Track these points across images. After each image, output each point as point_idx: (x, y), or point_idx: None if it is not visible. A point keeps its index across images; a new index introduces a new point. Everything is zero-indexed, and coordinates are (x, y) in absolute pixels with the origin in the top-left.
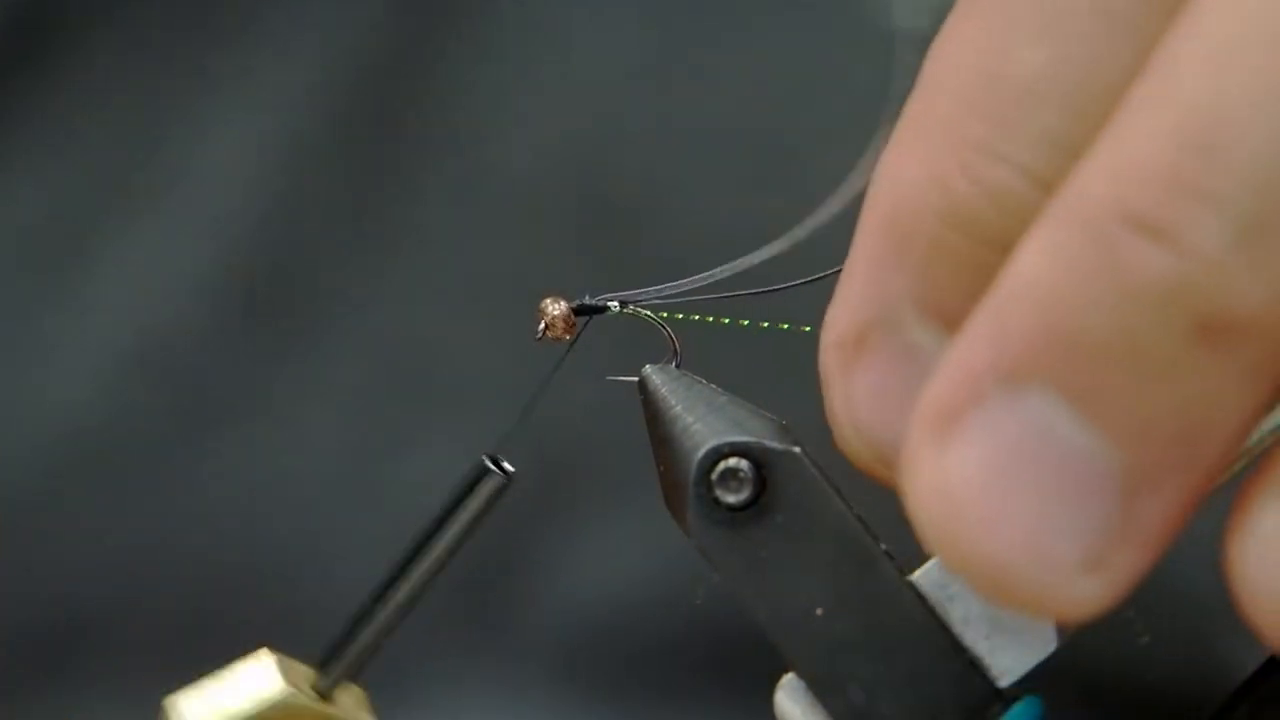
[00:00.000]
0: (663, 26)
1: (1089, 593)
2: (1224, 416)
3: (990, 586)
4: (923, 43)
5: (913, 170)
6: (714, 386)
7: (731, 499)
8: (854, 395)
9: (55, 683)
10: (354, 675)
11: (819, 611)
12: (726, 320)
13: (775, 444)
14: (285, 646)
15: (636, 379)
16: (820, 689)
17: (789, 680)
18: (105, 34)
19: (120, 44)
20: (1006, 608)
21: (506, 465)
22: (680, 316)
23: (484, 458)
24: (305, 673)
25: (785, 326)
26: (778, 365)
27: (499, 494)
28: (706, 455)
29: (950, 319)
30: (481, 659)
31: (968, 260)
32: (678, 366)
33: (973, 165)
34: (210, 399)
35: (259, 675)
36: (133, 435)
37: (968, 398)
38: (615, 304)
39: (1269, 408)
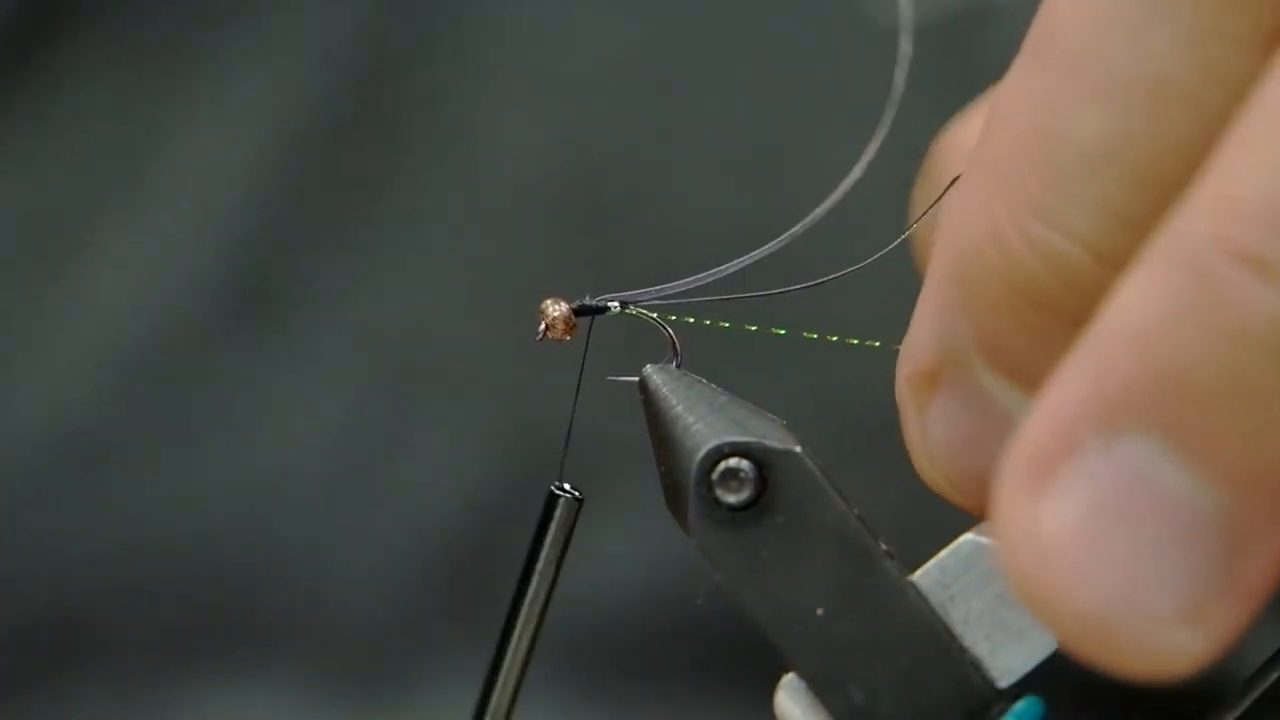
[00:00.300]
0: (656, 23)
1: (1187, 646)
2: None
3: (1084, 639)
4: (919, 37)
5: (976, 220)
6: (715, 386)
7: (732, 499)
8: (928, 429)
9: (54, 681)
10: None
11: (820, 611)
12: (726, 325)
13: (776, 444)
14: (283, 642)
15: (637, 379)
16: (821, 689)
17: (789, 680)
18: (97, 36)
19: (111, 45)
20: (1100, 662)
21: (568, 487)
22: (674, 318)
23: (551, 489)
24: None
25: (781, 332)
26: (778, 365)
27: (575, 516)
28: (707, 455)
29: (1015, 371)
30: (481, 658)
31: (1028, 322)
32: (678, 366)
33: (1030, 229)
34: (206, 396)
35: None
36: (129, 433)
37: (1063, 445)
38: (616, 304)
39: None
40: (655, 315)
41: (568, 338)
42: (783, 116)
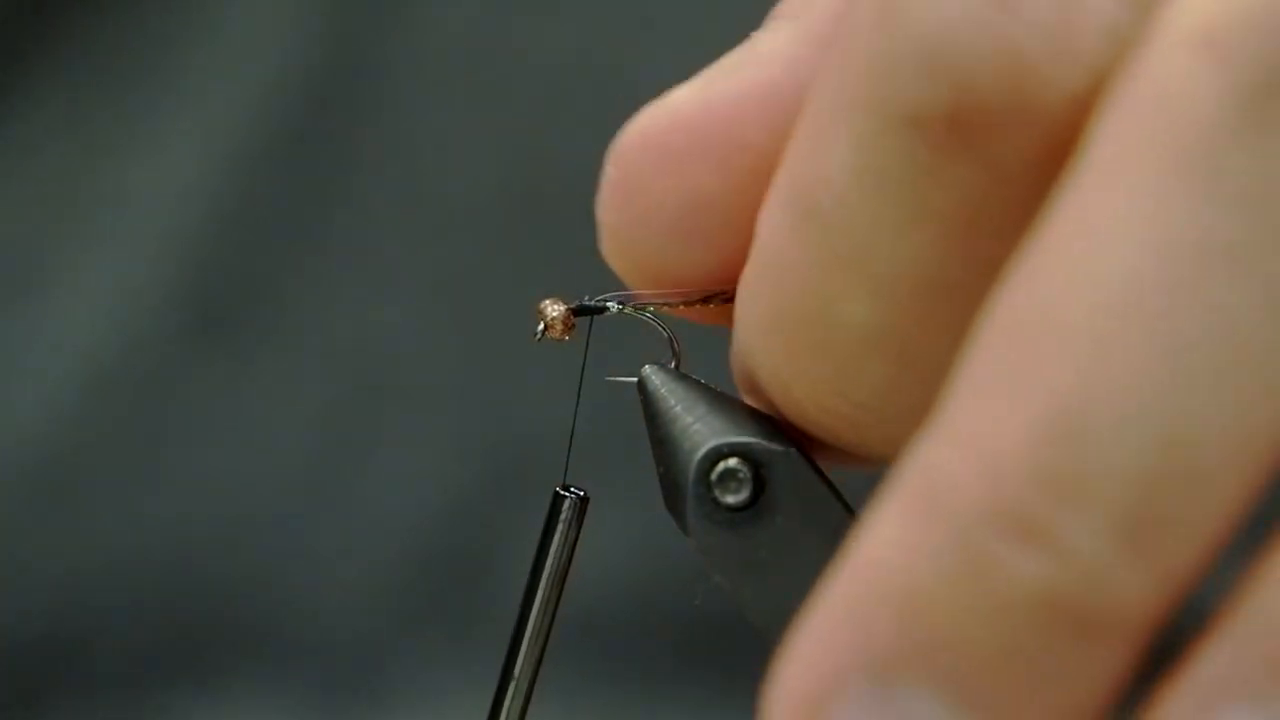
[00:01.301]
0: (606, 27)
1: None
2: (1100, 695)
3: None
4: None
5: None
6: (714, 387)
7: (730, 500)
8: None
9: (33, 702)
10: None
11: None
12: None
13: (774, 445)
14: (261, 656)
15: (635, 379)
16: None
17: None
18: (47, 59)
19: (63, 68)
20: None
21: (575, 488)
22: (683, 307)
23: (556, 490)
24: None
25: None
26: None
27: (581, 515)
28: (705, 456)
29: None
30: (474, 657)
31: None
32: (677, 367)
33: (813, 397)
34: (171, 415)
35: None
36: (95, 452)
37: (831, 689)
38: (614, 304)
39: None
40: (654, 315)
41: (566, 338)
42: None
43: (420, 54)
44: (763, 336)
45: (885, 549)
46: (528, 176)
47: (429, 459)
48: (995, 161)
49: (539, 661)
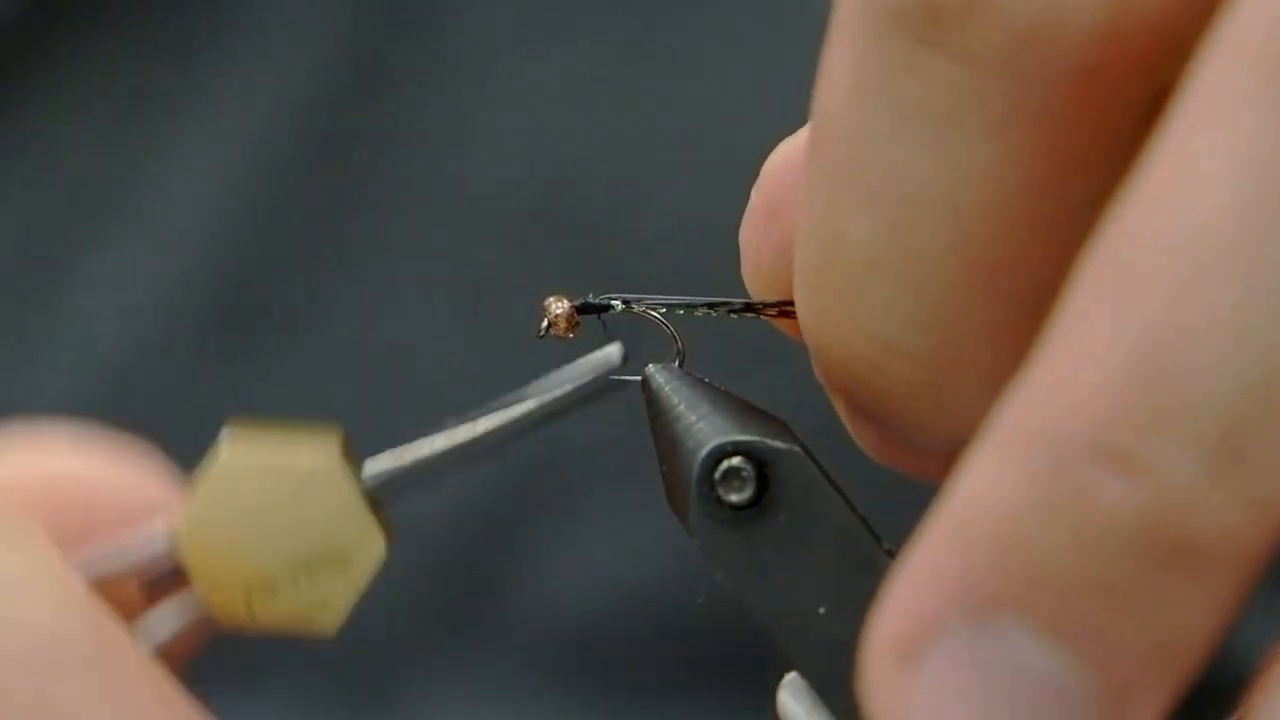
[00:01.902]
0: (628, 32)
1: None
2: (1201, 631)
3: None
4: None
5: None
6: (718, 385)
7: (734, 498)
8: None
9: None
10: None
11: (821, 610)
12: (734, 315)
13: (777, 443)
14: (273, 655)
15: (640, 378)
16: (823, 688)
17: (791, 679)
18: (73, 56)
19: (89, 65)
20: None
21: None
22: (680, 311)
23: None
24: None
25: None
26: (780, 365)
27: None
28: (709, 454)
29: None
30: (480, 656)
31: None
32: (681, 365)
33: (833, 334)
34: (191, 416)
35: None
36: None
37: (929, 628)
38: (619, 302)
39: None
40: (659, 314)
41: (569, 335)
42: (759, 122)
43: (447, 60)
44: (800, 283)
45: (981, 486)
46: (553, 182)
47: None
48: (971, 53)
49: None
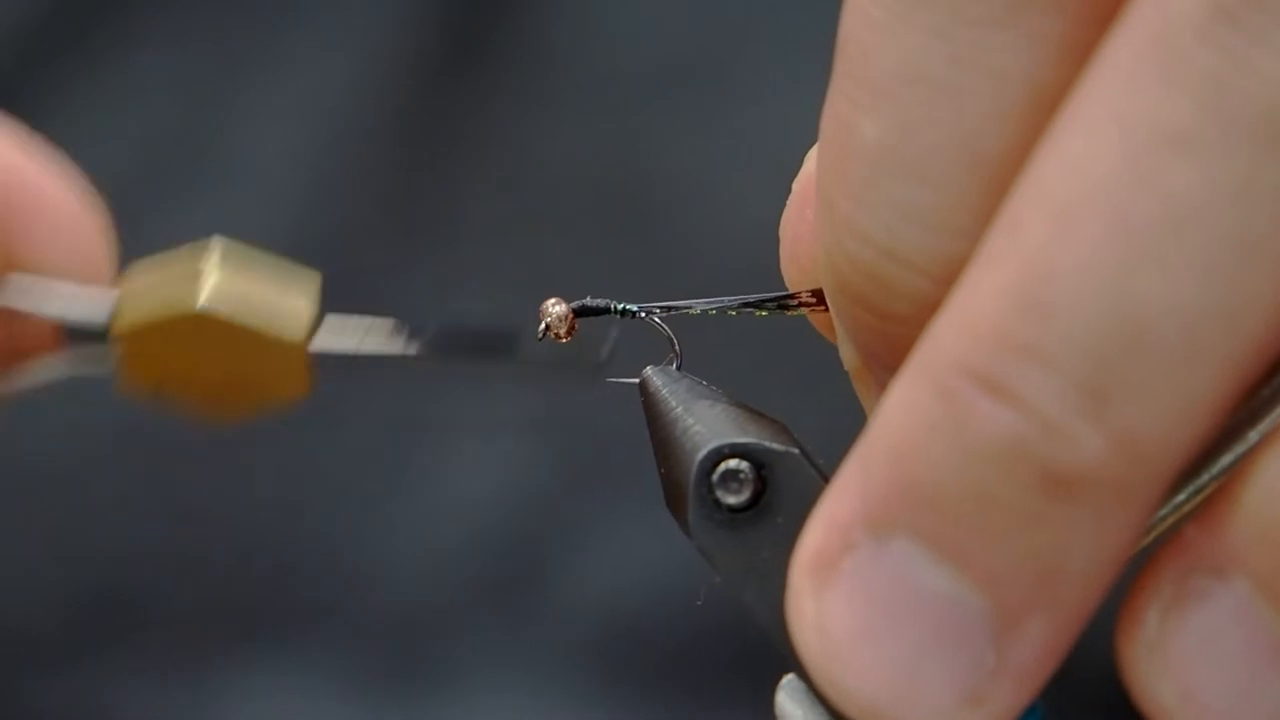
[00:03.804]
0: (705, 23)
1: None
2: (1082, 559)
3: None
4: None
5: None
6: (715, 388)
7: (732, 500)
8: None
9: (98, 655)
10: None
11: None
12: (734, 312)
13: (775, 445)
14: (319, 623)
15: (637, 380)
16: (820, 689)
17: (790, 681)
18: (153, 21)
19: (169, 30)
20: None
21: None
22: (688, 308)
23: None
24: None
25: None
26: (780, 366)
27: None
28: (707, 457)
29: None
30: (522, 636)
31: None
32: (679, 368)
33: (842, 244)
34: None
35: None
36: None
37: (839, 544)
38: (617, 306)
39: (1135, 544)
40: (656, 317)
41: (566, 339)
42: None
43: (533, 41)
44: (817, 193)
45: (886, 409)
46: (624, 172)
47: (503, 445)
48: None
49: None
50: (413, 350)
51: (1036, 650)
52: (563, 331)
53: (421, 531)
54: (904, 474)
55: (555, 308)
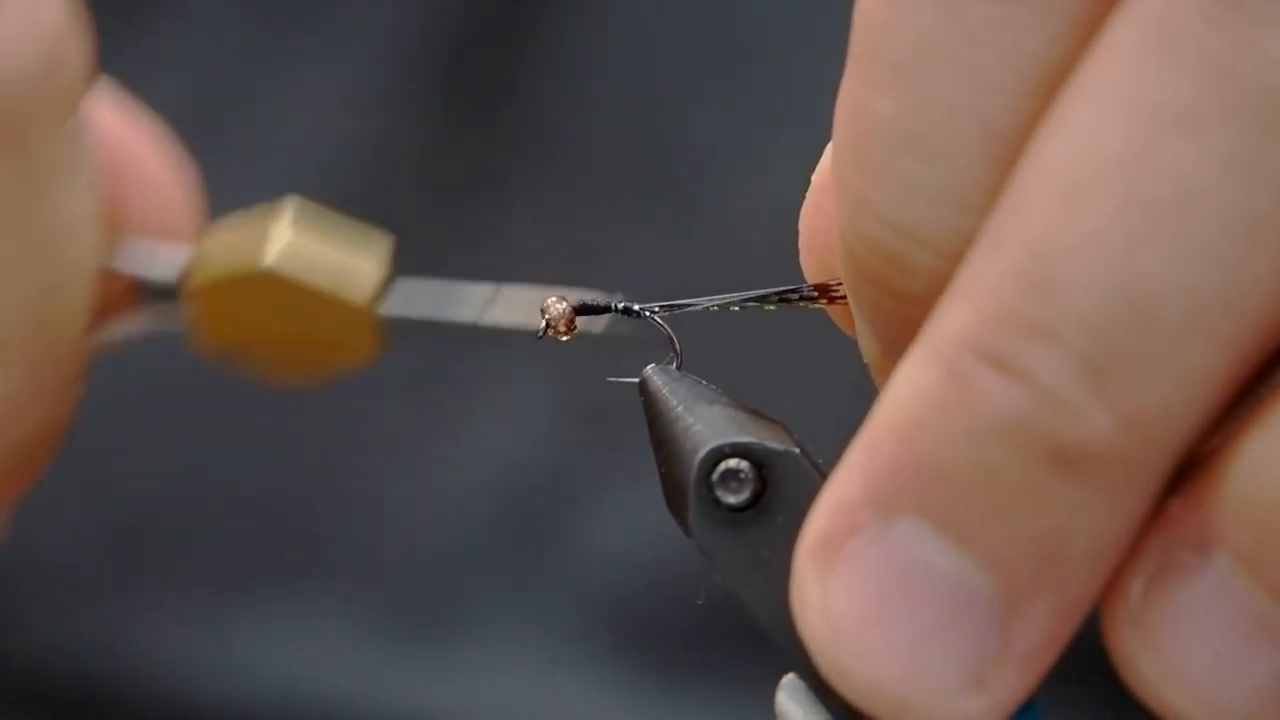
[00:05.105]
0: (754, 5)
1: (973, 713)
2: (1087, 539)
3: (878, 710)
4: None
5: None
6: (715, 387)
7: (732, 499)
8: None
9: (119, 592)
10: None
11: None
12: (737, 308)
13: (776, 445)
14: (341, 570)
15: (637, 380)
16: (820, 688)
17: (789, 680)
18: None
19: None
20: None
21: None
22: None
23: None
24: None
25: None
26: (780, 367)
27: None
28: (707, 456)
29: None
30: (536, 594)
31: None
32: (679, 367)
33: (857, 224)
34: None
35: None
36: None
37: (845, 527)
38: (617, 304)
39: (1137, 528)
40: (656, 315)
41: (566, 337)
42: None
43: (581, 10)
44: (833, 172)
45: (894, 388)
46: (657, 140)
47: (528, 400)
48: None
49: None
50: (485, 319)
51: (1040, 634)
52: (563, 329)
53: (444, 482)
54: (911, 453)
55: (556, 305)
